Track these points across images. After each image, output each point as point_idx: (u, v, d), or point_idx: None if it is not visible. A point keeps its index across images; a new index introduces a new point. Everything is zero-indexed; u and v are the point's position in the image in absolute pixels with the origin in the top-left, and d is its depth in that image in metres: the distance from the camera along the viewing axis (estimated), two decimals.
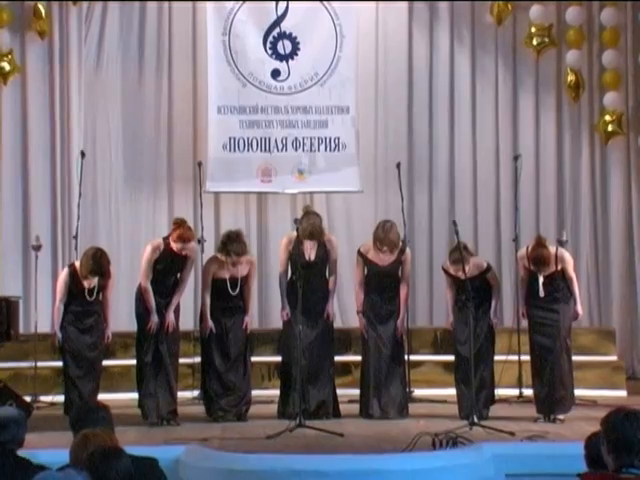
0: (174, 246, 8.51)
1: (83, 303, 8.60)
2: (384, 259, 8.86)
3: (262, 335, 9.88)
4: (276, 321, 9.54)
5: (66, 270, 8.75)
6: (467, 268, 8.43)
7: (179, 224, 8.57)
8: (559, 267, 8.56)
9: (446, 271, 8.76)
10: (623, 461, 4.06)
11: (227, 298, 8.72)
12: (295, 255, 8.79)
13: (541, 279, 8.51)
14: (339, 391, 9.00)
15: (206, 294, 8.75)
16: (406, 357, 9.13)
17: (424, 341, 10.29)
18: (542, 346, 8.52)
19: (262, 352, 9.77)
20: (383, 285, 8.88)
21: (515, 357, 9.41)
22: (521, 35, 11.29)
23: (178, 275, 8.69)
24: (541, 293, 8.51)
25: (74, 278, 8.58)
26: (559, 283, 8.55)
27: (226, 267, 8.68)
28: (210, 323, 8.69)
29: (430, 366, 9.98)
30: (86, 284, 8.55)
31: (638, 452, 4.04)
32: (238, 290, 8.71)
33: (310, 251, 8.86)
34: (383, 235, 8.73)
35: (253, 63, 10.95)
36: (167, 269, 8.63)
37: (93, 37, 11.11)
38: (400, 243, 8.85)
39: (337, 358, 9.16)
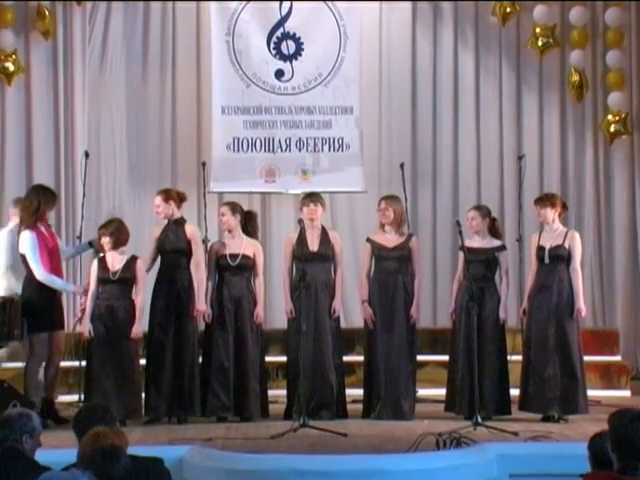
0: (162, 213, 8.79)
1: (109, 295, 8.48)
2: (391, 240, 8.86)
3: (266, 335, 9.85)
4: (280, 321, 9.53)
5: (95, 260, 8.66)
6: (485, 241, 8.79)
7: None
8: (567, 244, 8.59)
9: (463, 248, 8.81)
10: (627, 463, 4.06)
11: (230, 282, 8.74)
12: (299, 247, 8.78)
13: (548, 246, 8.57)
14: None
15: (209, 279, 8.78)
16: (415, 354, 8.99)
17: (427, 341, 10.28)
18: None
19: (266, 352, 9.74)
20: (391, 272, 8.84)
21: (518, 357, 9.40)
22: (525, 35, 11.30)
23: (191, 258, 8.71)
24: (546, 260, 8.56)
25: (102, 264, 8.53)
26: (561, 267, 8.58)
27: (227, 243, 8.81)
28: (208, 310, 8.68)
29: (434, 366, 9.97)
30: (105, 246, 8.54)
31: None
32: (238, 261, 8.73)
33: (313, 242, 8.88)
34: (383, 197, 9.08)
35: (257, 63, 10.97)
36: (171, 244, 8.71)
37: (97, 37, 11.15)
38: (403, 217, 8.99)
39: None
